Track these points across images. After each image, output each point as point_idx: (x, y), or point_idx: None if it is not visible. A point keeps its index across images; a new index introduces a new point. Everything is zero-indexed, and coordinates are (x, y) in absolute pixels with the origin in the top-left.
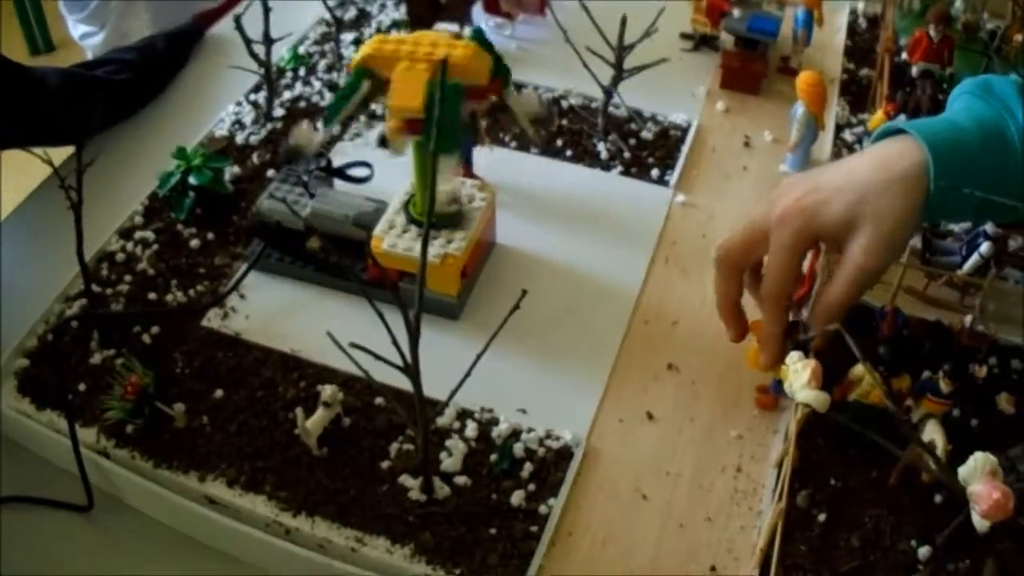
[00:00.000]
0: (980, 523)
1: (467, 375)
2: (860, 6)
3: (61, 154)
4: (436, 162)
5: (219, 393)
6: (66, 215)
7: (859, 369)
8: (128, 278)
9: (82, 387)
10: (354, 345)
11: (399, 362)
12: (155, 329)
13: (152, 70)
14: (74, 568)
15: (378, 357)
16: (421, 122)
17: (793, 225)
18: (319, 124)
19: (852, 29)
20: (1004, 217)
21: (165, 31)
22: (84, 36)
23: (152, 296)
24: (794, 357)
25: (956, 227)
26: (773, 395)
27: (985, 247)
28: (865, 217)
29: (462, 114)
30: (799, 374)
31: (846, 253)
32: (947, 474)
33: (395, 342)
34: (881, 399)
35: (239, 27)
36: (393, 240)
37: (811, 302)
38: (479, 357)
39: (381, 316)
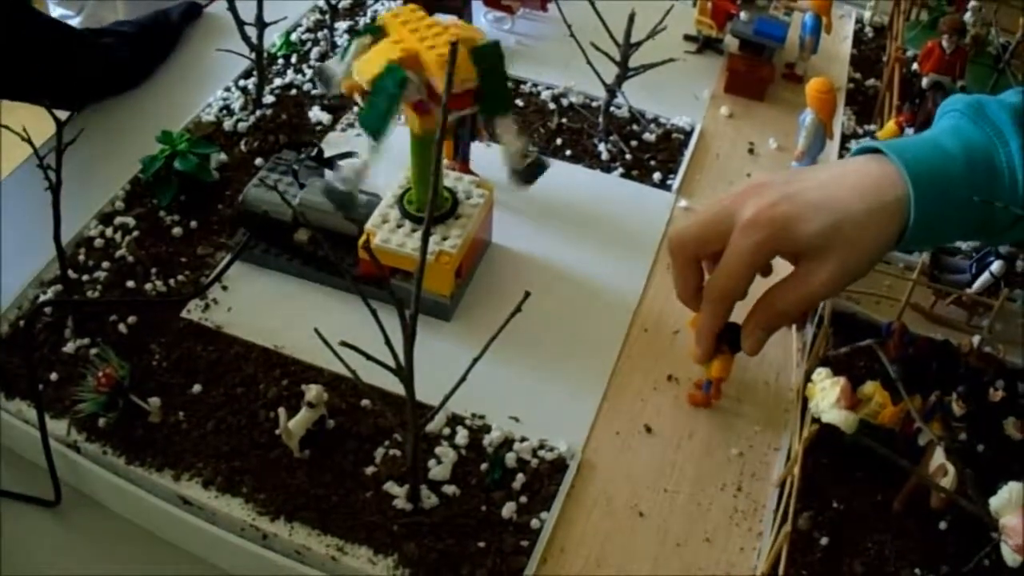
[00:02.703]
0: (1012, 558)
1: (462, 380)
2: (867, 15)
3: (41, 133)
4: (439, 156)
5: (197, 388)
6: (44, 197)
7: (868, 388)
8: (106, 265)
9: (54, 376)
10: (344, 344)
11: (390, 363)
12: (132, 319)
13: (149, 48)
14: (38, 565)
15: (370, 358)
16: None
17: (761, 234)
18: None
19: (858, 38)
20: (991, 242)
21: (165, 10)
22: (61, 18)
23: (130, 284)
24: (822, 374)
25: (965, 245)
26: (704, 394)
27: (996, 266)
28: (837, 244)
29: (399, 105)
30: (827, 392)
31: (806, 271)
32: (980, 505)
33: (388, 342)
34: (890, 420)
35: (232, 8)
36: (386, 235)
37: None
38: (475, 362)
39: (375, 315)
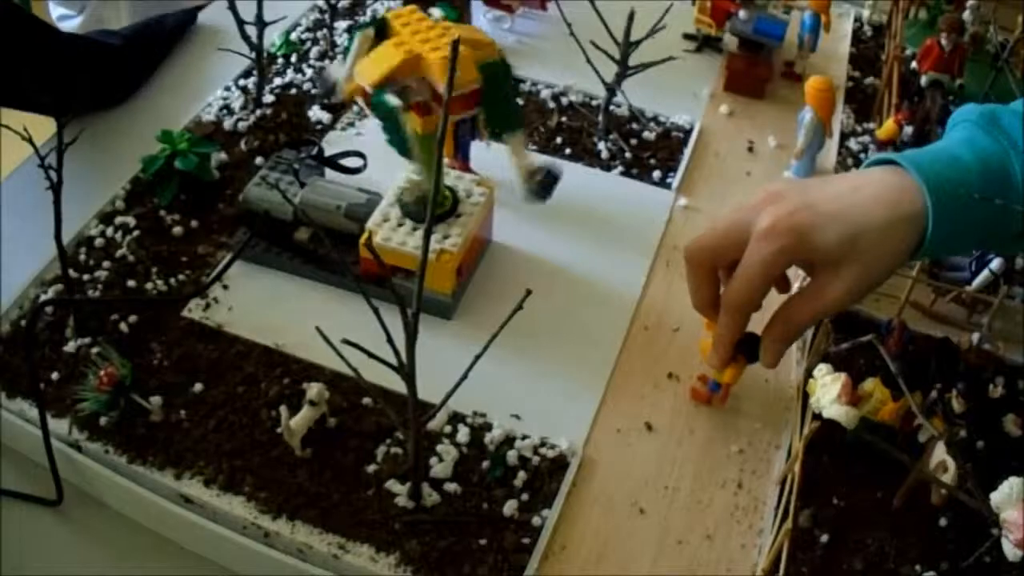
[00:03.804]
0: (1012, 552)
1: (463, 377)
2: (865, 14)
3: (42, 133)
4: (440, 154)
5: (198, 387)
6: (44, 196)
7: (868, 384)
8: (107, 264)
9: (55, 376)
10: (346, 342)
11: (392, 361)
12: (133, 318)
13: (141, 58)
14: (39, 565)
15: (372, 356)
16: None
17: (780, 242)
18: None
19: (856, 37)
20: (1004, 251)
21: (160, 17)
22: (61, 18)
23: (131, 284)
24: (823, 370)
25: None
26: (709, 392)
27: (996, 263)
28: (856, 255)
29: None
30: (828, 388)
31: (823, 282)
32: (980, 500)
33: (390, 340)
34: (890, 417)
35: (232, 7)
36: (387, 234)
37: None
38: (476, 359)
39: (377, 313)
